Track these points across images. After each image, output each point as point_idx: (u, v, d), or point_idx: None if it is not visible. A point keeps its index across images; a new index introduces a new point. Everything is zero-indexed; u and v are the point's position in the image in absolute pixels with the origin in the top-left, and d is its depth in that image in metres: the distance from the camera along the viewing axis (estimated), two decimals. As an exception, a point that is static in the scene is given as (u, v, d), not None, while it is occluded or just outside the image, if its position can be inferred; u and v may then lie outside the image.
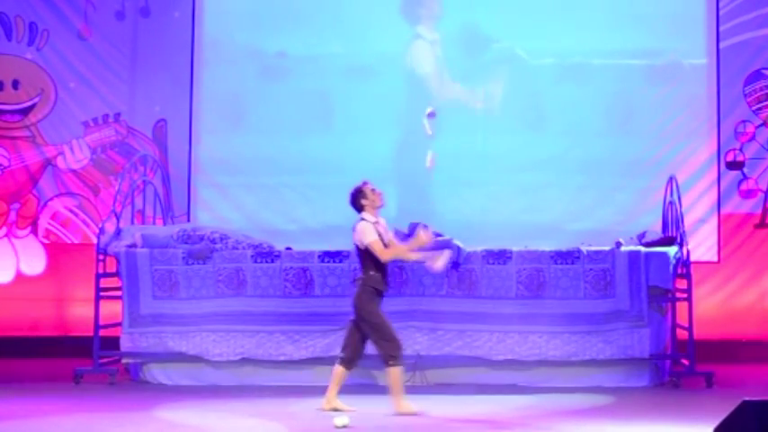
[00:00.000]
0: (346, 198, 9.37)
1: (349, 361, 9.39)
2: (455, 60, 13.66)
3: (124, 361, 11.41)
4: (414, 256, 9.54)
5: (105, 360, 11.34)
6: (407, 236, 11.03)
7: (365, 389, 10.65)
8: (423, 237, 9.35)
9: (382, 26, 13.60)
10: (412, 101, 13.54)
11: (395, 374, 9.21)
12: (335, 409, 9.24)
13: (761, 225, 13.36)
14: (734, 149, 13.43)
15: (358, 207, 9.37)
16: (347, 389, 10.54)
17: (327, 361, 11.05)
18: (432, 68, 13.64)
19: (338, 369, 9.40)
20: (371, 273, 9.26)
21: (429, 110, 13.05)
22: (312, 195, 13.50)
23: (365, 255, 9.28)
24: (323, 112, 13.61)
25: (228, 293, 11.21)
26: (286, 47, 13.72)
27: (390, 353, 9.21)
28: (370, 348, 10.92)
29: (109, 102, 13.92)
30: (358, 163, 13.10)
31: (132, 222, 12.34)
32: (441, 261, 9.56)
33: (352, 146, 13.38)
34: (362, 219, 9.34)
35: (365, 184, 9.42)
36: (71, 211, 13.87)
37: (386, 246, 9.28)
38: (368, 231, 9.25)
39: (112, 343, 11.38)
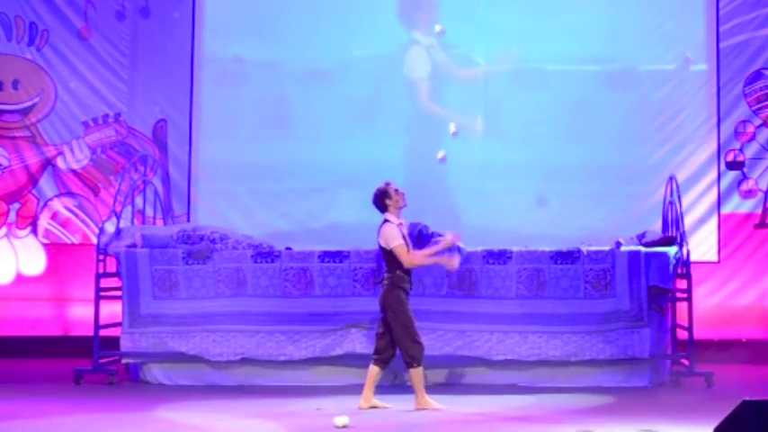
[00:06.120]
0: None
1: (385, 360, 9.46)
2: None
3: (124, 361, 11.40)
4: (432, 261, 9.67)
5: (105, 360, 11.33)
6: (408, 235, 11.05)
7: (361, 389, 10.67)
8: (449, 238, 9.64)
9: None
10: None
11: (416, 375, 9.34)
12: (374, 407, 9.40)
13: (761, 225, 13.36)
14: (734, 149, 13.43)
15: (381, 207, 9.47)
16: (348, 389, 10.55)
17: (327, 361, 11.07)
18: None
19: (374, 369, 9.46)
20: (398, 272, 9.35)
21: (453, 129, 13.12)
22: (312, 197, 13.48)
23: (390, 255, 9.37)
24: (317, 115, 13.59)
25: (228, 293, 11.20)
26: (278, 52, 13.69)
27: (413, 354, 9.32)
28: (362, 347, 10.96)
29: (109, 102, 13.90)
30: (356, 166, 13.19)
31: (132, 222, 12.34)
32: (455, 261, 9.71)
33: (354, 148, 13.41)
34: (387, 220, 9.44)
35: (388, 184, 9.52)
36: (71, 211, 13.86)
37: (408, 248, 9.42)
38: (393, 234, 9.36)
39: (112, 343, 11.38)
